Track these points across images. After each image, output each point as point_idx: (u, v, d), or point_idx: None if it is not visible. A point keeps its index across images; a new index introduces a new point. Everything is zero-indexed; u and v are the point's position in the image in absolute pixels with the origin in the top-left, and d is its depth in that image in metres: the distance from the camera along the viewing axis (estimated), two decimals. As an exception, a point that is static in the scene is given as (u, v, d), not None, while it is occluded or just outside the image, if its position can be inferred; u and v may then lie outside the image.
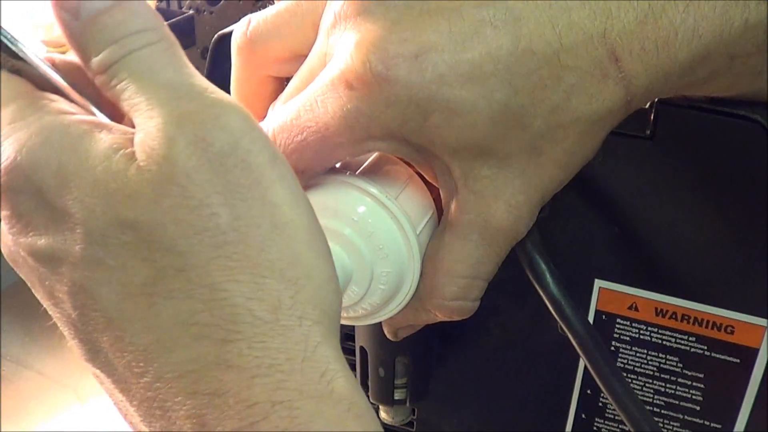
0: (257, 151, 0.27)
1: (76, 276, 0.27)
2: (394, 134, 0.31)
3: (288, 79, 0.36)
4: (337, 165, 0.35)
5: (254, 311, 0.26)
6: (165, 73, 0.27)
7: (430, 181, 0.35)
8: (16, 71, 0.29)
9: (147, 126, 0.27)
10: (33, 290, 0.29)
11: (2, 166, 0.27)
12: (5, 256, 0.29)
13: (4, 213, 0.28)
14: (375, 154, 0.36)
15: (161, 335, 0.26)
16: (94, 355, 0.28)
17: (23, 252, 0.28)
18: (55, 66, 0.30)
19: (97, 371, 0.28)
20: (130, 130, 0.28)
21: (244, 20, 0.36)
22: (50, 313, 0.29)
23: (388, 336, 0.39)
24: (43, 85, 0.30)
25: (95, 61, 0.28)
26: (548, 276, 0.35)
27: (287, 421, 0.25)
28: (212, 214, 0.26)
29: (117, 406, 0.29)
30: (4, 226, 0.28)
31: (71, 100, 0.29)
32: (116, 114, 0.30)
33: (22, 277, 0.30)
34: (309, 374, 0.26)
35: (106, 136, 0.27)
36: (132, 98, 0.27)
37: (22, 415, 0.61)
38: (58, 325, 0.29)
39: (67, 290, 0.27)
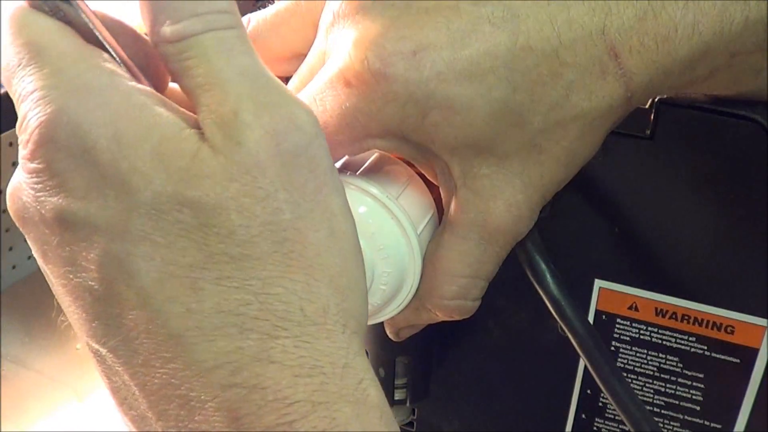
0: (322, 156, 0.27)
1: (114, 247, 0.25)
2: (393, 132, 0.31)
3: (288, 79, 0.36)
4: (338, 165, 0.35)
5: (306, 311, 0.26)
6: (242, 60, 0.26)
7: (430, 180, 0.35)
8: (67, 21, 0.27)
9: (221, 109, 0.26)
10: (39, 253, 0.27)
11: (47, 115, 0.25)
12: (12, 209, 0.27)
13: (34, 165, 0.26)
14: (375, 155, 0.36)
15: (202, 322, 0.25)
16: (109, 331, 0.26)
17: (46, 212, 0.26)
18: (105, 23, 0.28)
19: (103, 351, 0.27)
20: (181, 109, 0.27)
21: (244, 20, 0.36)
22: (55, 279, 0.27)
23: (390, 336, 0.39)
24: (91, 40, 0.27)
25: (170, 29, 0.26)
26: (548, 276, 0.35)
27: (326, 421, 0.25)
28: (277, 209, 0.26)
29: (115, 389, 0.28)
30: (28, 179, 0.26)
31: (119, 63, 0.27)
32: (159, 86, 0.29)
33: (26, 236, 0.27)
34: (348, 380, 0.26)
35: (166, 112, 0.26)
36: (203, 76, 0.26)
37: (21, 413, 0.61)
38: (63, 293, 0.27)
39: (98, 260, 0.26)
